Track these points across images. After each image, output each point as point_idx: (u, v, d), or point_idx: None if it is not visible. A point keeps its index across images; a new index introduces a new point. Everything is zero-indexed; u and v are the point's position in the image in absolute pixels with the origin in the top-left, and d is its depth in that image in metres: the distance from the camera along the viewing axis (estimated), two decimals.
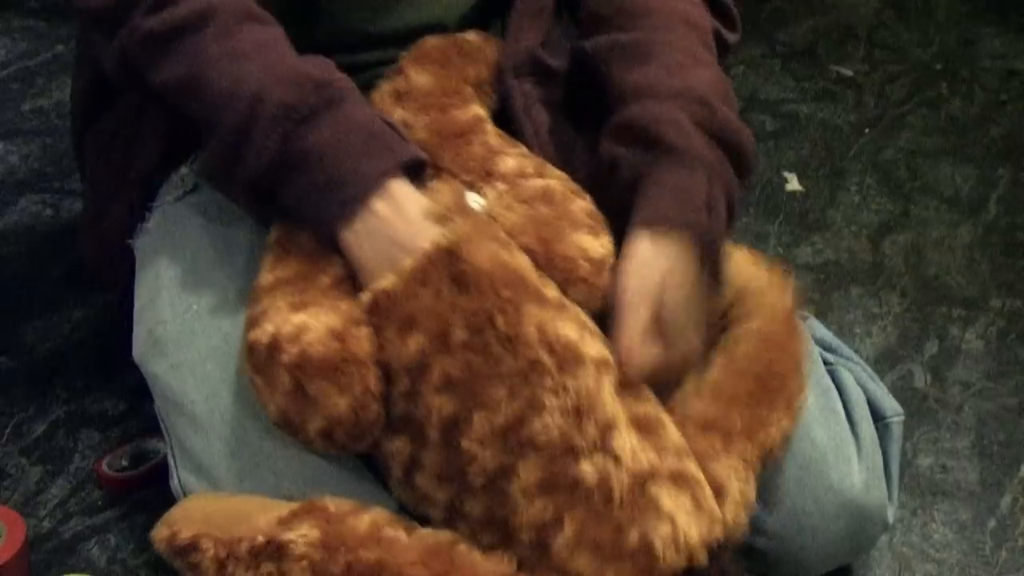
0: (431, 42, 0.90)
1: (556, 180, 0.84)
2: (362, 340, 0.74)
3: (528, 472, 0.72)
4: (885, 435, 0.94)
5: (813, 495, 0.84)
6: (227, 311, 0.83)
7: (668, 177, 0.80)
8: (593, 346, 0.75)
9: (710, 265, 0.80)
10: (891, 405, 0.95)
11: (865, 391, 0.95)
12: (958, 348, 1.34)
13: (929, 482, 1.16)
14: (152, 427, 0.90)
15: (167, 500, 0.85)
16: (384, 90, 0.88)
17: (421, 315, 0.73)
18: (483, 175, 0.83)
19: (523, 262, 0.76)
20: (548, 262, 0.79)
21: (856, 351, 1.08)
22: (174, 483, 0.85)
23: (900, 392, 1.26)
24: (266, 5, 0.83)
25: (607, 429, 0.73)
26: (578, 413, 0.73)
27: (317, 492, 0.77)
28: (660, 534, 0.72)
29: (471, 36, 0.92)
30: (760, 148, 1.70)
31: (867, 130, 1.77)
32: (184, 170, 0.91)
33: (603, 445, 0.73)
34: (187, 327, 0.84)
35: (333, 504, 0.73)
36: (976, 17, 2.10)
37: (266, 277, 0.79)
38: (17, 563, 0.91)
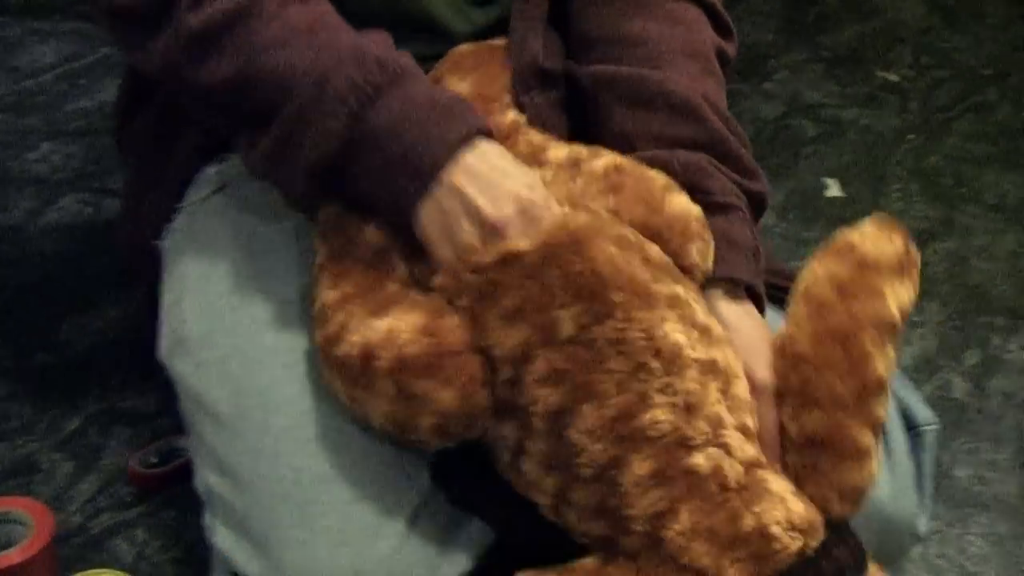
0: (464, 49, 0.89)
1: (612, 155, 0.83)
2: (454, 330, 0.73)
3: (640, 464, 0.71)
4: (918, 444, 0.92)
5: None
6: (250, 310, 0.83)
7: (716, 227, 0.82)
8: (699, 350, 0.75)
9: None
10: (925, 414, 0.93)
11: (898, 399, 0.93)
12: (1000, 358, 1.32)
13: (967, 494, 1.14)
14: (182, 426, 0.91)
15: (194, 498, 0.85)
16: None
17: (527, 305, 0.72)
18: (537, 165, 0.82)
19: (636, 261, 0.75)
20: (666, 226, 0.79)
21: None
22: (198, 482, 0.85)
23: (939, 402, 1.24)
24: None
25: (717, 425, 0.73)
26: (688, 409, 0.73)
27: (334, 489, 0.77)
28: (775, 517, 0.72)
29: (499, 42, 0.91)
30: (801, 153, 1.68)
31: (911, 136, 1.74)
32: (211, 170, 0.92)
33: (714, 439, 0.73)
34: (210, 326, 0.84)
35: None
36: None
37: (330, 294, 0.77)
38: (44, 557, 0.92)
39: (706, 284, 0.81)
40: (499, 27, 0.92)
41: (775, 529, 0.71)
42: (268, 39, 0.77)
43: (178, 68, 0.80)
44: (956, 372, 1.29)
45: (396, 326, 0.73)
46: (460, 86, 0.86)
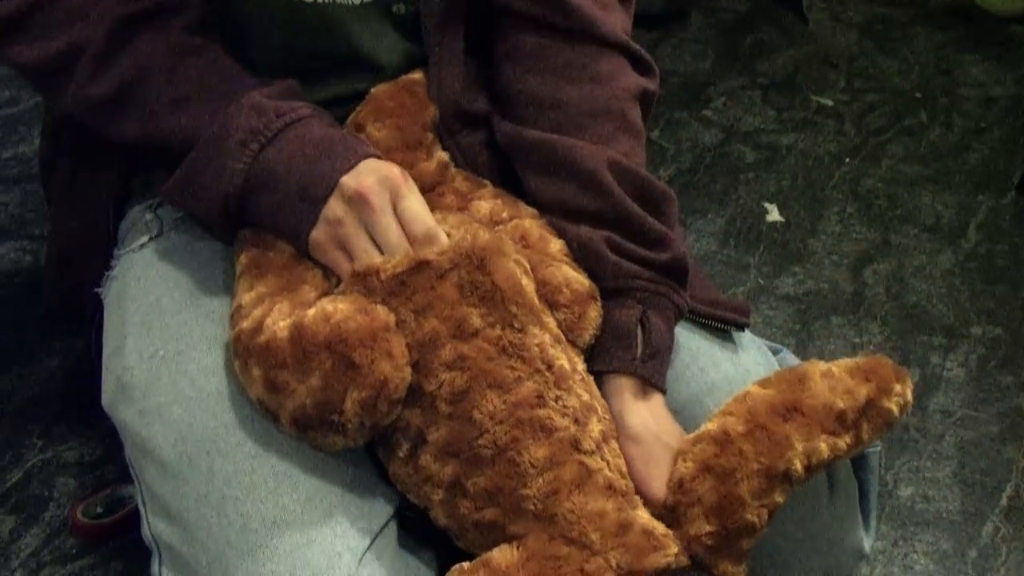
0: (382, 91, 0.90)
1: (529, 220, 0.86)
2: (385, 311, 0.76)
3: (537, 448, 0.74)
4: (861, 466, 0.93)
5: (783, 530, 0.84)
6: (193, 355, 0.83)
7: (605, 315, 0.83)
8: (579, 388, 0.78)
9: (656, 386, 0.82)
10: None
11: None
12: (939, 376, 1.34)
13: (910, 512, 1.15)
14: (128, 474, 0.90)
15: (141, 547, 0.84)
16: None
17: (437, 303, 0.76)
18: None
19: (532, 286, 0.79)
20: (538, 286, 0.81)
21: None
22: (145, 530, 0.84)
23: None
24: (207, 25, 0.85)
25: (600, 446, 0.77)
26: (577, 422, 0.76)
27: (283, 533, 0.76)
28: (655, 523, 0.75)
29: (417, 76, 0.92)
30: (741, 179, 1.71)
31: (848, 159, 1.77)
32: (149, 216, 0.92)
33: (599, 451, 0.76)
34: (153, 373, 0.83)
35: None
36: (954, 46, 2.12)
37: (248, 295, 0.80)
38: None
39: (609, 375, 0.82)
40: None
41: (657, 531, 0.74)
42: (167, 100, 0.81)
43: (86, 123, 0.85)
44: None
45: (327, 308, 0.75)
46: (381, 134, 0.88)
